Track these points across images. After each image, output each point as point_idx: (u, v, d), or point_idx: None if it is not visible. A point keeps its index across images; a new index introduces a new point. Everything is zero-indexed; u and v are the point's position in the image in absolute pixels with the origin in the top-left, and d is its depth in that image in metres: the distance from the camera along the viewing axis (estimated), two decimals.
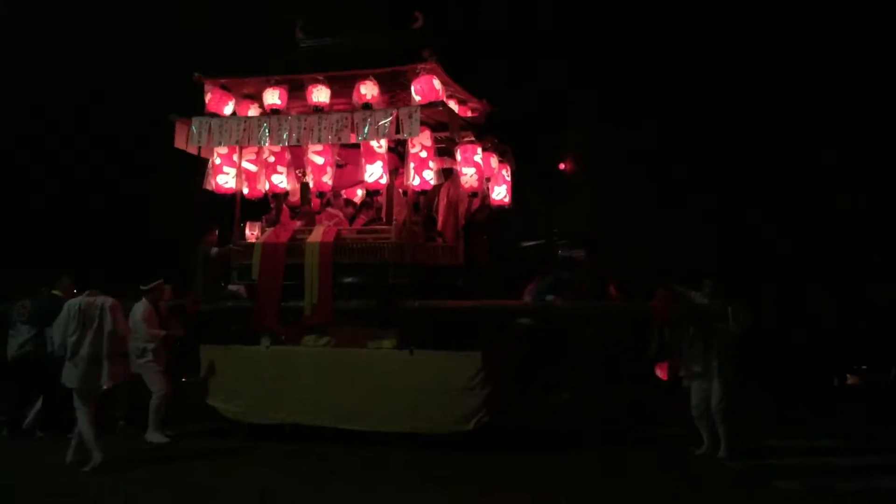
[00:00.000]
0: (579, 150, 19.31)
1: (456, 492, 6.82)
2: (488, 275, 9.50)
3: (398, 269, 8.52)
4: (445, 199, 9.23)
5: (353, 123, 8.36)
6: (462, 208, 9.15)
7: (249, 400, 8.68)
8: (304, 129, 8.48)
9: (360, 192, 10.11)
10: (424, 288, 8.61)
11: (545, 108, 17.61)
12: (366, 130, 8.29)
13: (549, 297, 9.02)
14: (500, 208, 10.01)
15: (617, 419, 9.20)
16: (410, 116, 8.15)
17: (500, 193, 9.85)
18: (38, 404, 8.99)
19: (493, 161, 9.46)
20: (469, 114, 9.91)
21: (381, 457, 7.89)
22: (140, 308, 8.54)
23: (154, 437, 8.34)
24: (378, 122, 8.24)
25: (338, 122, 8.41)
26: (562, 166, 19.51)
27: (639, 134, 16.92)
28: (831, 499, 6.75)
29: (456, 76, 9.19)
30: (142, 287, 8.68)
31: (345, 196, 9.79)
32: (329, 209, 9.45)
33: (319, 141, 8.53)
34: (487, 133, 9.47)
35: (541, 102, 17.44)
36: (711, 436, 7.96)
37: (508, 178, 9.93)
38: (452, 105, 9.54)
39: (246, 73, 9.20)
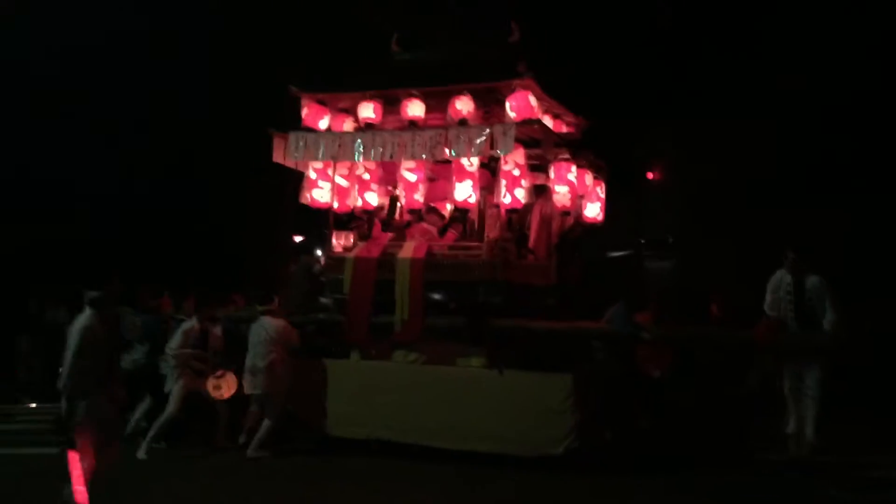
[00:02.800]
0: (668, 158, 18.87)
1: None
2: (579, 292, 9.30)
3: (489, 287, 8.42)
4: (538, 217, 9.05)
5: (447, 140, 8.29)
6: (555, 226, 8.97)
7: (336, 413, 8.72)
8: (398, 145, 8.45)
9: (449, 206, 10.03)
10: (515, 306, 8.47)
11: (633, 115, 17.19)
12: (460, 147, 8.21)
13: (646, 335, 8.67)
14: (594, 226, 9.80)
15: (717, 442, 8.89)
16: (505, 134, 8.03)
17: (593, 211, 9.61)
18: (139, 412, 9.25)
19: (588, 178, 9.23)
20: (564, 128, 9.72)
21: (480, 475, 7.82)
22: None
23: None
24: (473, 139, 8.15)
25: (432, 138, 8.34)
26: (650, 175, 19.11)
27: (729, 138, 16.41)
28: None
29: (551, 88, 9.04)
30: None
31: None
32: (422, 224, 9.38)
33: (413, 157, 8.49)
34: (583, 149, 9.25)
35: (629, 109, 17.04)
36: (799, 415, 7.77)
37: (602, 196, 9.69)
38: (547, 120, 9.38)
39: (342, 87, 9.22)
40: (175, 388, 8.69)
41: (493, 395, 8.19)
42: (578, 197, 9.16)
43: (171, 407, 8.64)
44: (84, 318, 6.25)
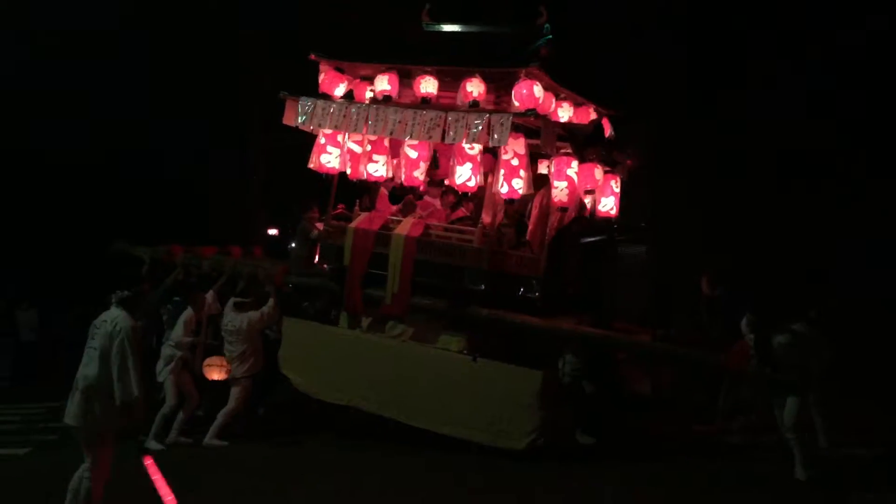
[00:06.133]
0: (643, 144, 18.14)
1: None
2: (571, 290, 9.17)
3: (474, 274, 8.39)
4: (538, 208, 8.90)
5: (446, 122, 8.19)
6: (553, 220, 8.76)
7: (320, 376, 8.96)
8: (399, 122, 8.40)
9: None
10: (500, 296, 8.43)
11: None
12: (457, 132, 8.12)
13: None
14: (607, 220, 9.53)
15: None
16: (502, 124, 7.89)
17: (606, 205, 9.20)
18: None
19: (598, 172, 8.90)
20: (590, 117, 9.44)
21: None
22: None
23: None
24: (470, 125, 8.04)
25: (432, 119, 8.25)
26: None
27: (705, 126, 15.71)
28: None
29: (570, 77, 8.79)
30: None
31: (447, 184, 9.52)
32: (426, 198, 9.40)
33: (412, 137, 8.42)
34: (597, 142, 8.94)
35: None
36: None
37: (617, 190, 9.32)
38: (567, 108, 9.15)
39: (359, 57, 9.20)
40: (169, 382, 8.82)
41: (466, 382, 8.24)
42: (586, 192, 8.89)
43: (171, 400, 8.80)
44: None
